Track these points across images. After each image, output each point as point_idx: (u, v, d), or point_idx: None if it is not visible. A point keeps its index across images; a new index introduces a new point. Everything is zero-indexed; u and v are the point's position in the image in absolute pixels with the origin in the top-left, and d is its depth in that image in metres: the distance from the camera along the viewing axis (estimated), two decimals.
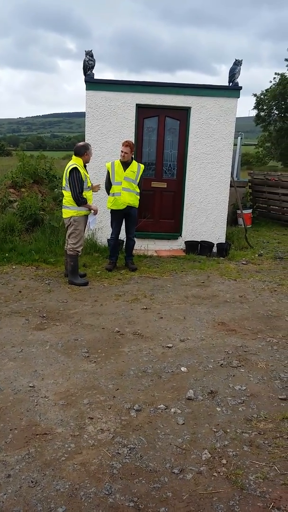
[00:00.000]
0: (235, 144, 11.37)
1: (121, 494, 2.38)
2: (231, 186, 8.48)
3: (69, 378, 3.57)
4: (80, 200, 5.88)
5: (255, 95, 32.61)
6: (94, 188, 6.27)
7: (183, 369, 3.77)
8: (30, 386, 3.42)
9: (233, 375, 3.69)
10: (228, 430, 2.96)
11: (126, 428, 2.95)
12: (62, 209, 6.17)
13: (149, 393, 3.39)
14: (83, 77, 7.76)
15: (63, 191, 6.09)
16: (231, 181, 8.45)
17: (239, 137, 12.10)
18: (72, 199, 5.90)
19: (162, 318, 4.93)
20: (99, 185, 6.45)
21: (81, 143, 6.12)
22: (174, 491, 2.43)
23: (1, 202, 8.46)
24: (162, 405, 3.22)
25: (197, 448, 2.78)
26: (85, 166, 6.07)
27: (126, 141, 6.54)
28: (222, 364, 3.87)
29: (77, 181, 5.82)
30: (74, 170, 5.82)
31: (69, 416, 3.06)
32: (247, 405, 3.26)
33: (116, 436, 2.86)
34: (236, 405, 3.26)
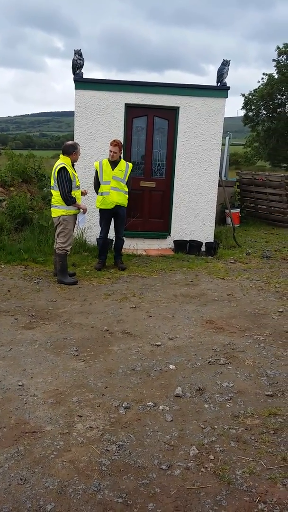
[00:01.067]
0: (223, 144, 11.43)
1: (109, 490, 2.41)
2: (219, 185, 8.55)
3: (58, 377, 3.59)
4: (69, 200, 5.88)
5: (243, 95, 32.75)
6: (83, 193, 6.28)
7: (171, 366, 3.80)
8: (19, 385, 3.42)
9: (221, 372, 3.73)
10: (216, 426, 3.00)
11: (114, 426, 2.98)
12: (51, 208, 6.17)
13: (137, 391, 3.42)
14: (72, 76, 7.76)
15: (52, 191, 6.09)
16: (219, 181, 8.51)
17: (227, 137, 12.18)
18: (61, 198, 5.90)
19: (151, 316, 4.96)
20: (87, 190, 6.46)
21: (69, 142, 6.12)
22: (162, 487, 2.46)
23: None
24: (150, 403, 3.25)
25: (185, 444, 2.81)
26: (73, 165, 6.07)
27: (114, 141, 6.56)
28: (210, 362, 3.91)
29: (65, 181, 5.82)
30: (62, 170, 5.83)
31: (58, 414, 3.07)
32: (235, 401, 3.31)
33: (105, 434, 2.89)
34: (223, 402, 3.30)
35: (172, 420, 3.06)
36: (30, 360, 3.84)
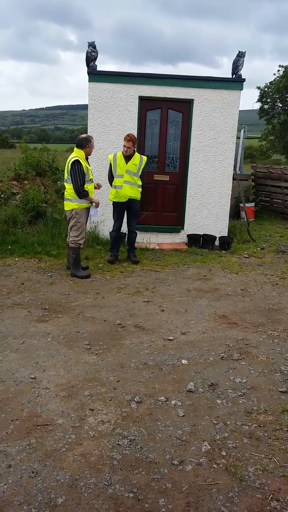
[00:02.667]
0: (238, 137, 11.31)
1: (120, 485, 2.40)
2: (234, 179, 8.45)
3: (70, 370, 3.59)
4: (81, 193, 5.87)
5: (258, 87, 32.39)
6: (96, 187, 6.27)
7: (184, 361, 3.78)
8: (32, 378, 3.43)
9: (234, 368, 3.70)
10: (228, 422, 2.98)
11: (126, 420, 2.97)
12: (64, 202, 6.17)
13: (149, 385, 3.40)
14: (86, 69, 7.73)
15: (65, 184, 6.08)
16: (233, 174, 8.42)
17: (242, 130, 12.04)
18: (73, 191, 5.89)
19: (163, 311, 4.94)
20: (100, 184, 6.44)
21: (83, 136, 6.10)
22: (173, 482, 2.44)
23: (4, 194, 8.47)
24: (162, 397, 3.23)
25: (197, 440, 2.79)
26: (87, 159, 6.05)
27: (128, 135, 6.52)
28: (222, 357, 3.88)
29: (78, 174, 5.81)
30: (76, 163, 5.81)
31: (70, 408, 3.08)
32: (247, 397, 3.27)
33: (116, 428, 2.88)
34: (236, 398, 3.27)
35: (184, 415, 3.04)
36: (42, 353, 3.85)
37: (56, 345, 4.03)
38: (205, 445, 2.73)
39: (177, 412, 3.07)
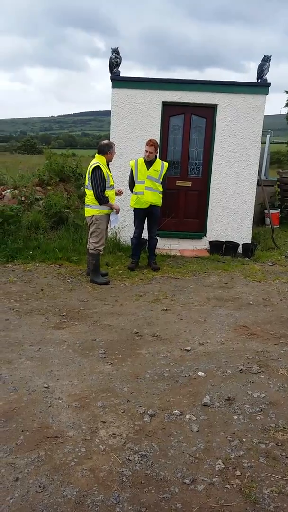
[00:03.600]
0: (263, 142, 11.11)
1: (129, 503, 2.32)
2: (258, 185, 8.29)
3: (84, 380, 3.53)
4: (102, 199, 5.84)
5: (287, 92, 31.91)
6: (117, 194, 6.23)
7: (200, 373, 3.68)
8: (45, 387, 3.39)
9: (252, 382, 3.57)
10: (244, 440, 2.86)
11: (138, 434, 2.89)
12: (85, 208, 6.15)
13: (164, 398, 3.31)
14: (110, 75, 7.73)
15: (86, 190, 6.07)
16: (258, 180, 8.26)
17: (268, 135, 11.83)
18: (94, 197, 5.87)
19: (182, 320, 4.84)
20: (122, 190, 6.38)
21: (105, 142, 6.08)
22: (184, 502, 2.34)
23: (27, 200, 8.53)
24: (177, 411, 3.14)
25: (211, 457, 2.69)
26: (108, 165, 6.03)
27: (150, 140, 6.47)
28: (241, 370, 3.75)
29: (99, 180, 5.78)
30: (97, 169, 5.79)
31: (82, 419, 3.01)
32: (266, 413, 3.15)
33: (127, 442, 2.80)
34: (253, 413, 3.14)
35: (198, 431, 2.94)
36: (57, 361, 3.81)
37: (71, 353, 3.98)
38: (219, 464, 2.62)
39: (191, 427, 2.97)
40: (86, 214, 6.10)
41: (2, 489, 2.38)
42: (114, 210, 6.03)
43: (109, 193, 5.94)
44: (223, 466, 2.61)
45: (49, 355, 3.94)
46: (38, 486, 2.41)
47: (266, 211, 9.86)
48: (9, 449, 2.69)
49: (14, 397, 3.25)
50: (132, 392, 3.37)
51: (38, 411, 3.09)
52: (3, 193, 8.68)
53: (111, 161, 6.14)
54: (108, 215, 6.07)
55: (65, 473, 2.52)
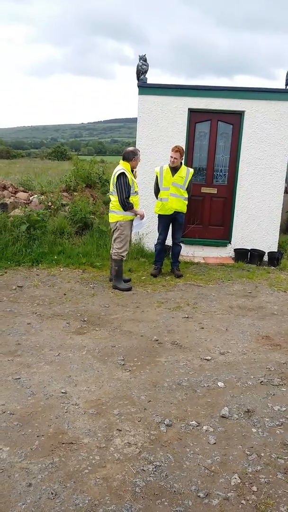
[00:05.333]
0: None
1: None
2: (285, 192, 8.15)
3: (102, 386, 3.52)
4: (126, 205, 5.85)
5: None
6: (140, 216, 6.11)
7: (220, 384, 3.60)
8: (62, 392, 3.39)
9: (273, 394, 3.47)
10: (262, 454, 2.78)
11: (154, 444, 2.85)
12: (109, 214, 6.17)
13: (181, 408, 3.26)
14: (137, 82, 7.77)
15: (110, 196, 6.10)
16: (285, 188, 8.12)
17: None
18: (119, 203, 5.88)
19: (203, 328, 4.77)
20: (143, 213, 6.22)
21: (130, 148, 6.09)
22: None
23: (54, 205, 8.63)
24: (194, 422, 3.08)
25: (227, 471, 2.62)
26: (132, 171, 6.04)
27: (176, 146, 6.45)
28: (262, 381, 3.66)
29: (124, 186, 5.79)
30: (122, 175, 5.80)
31: (97, 426, 2.99)
32: (286, 427, 3.05)
33: (142, 451, 2.76)
34: (273, 427, 3.05)
35: (215, 443, 2.87)
36: (76, 367, 3.81)
37: (90, 359, 3.98)
38: (235, 478, 2.55)
39: (208, 439, 2.91)
40: (111, 220, 6.12)
41: (14, 494, 2.38)
42: (138, 216, 6.03)
43: (133, 199, 5.95)
44: (239, 481, 2.54)
45: (68, 360, 3.94)
46: (51, 493, 2.40)
47: None
48: (24, 454, 2.69)
49: (32, 401, 3.26)
50: (150, 401, 3.33)
51: (55, 416, 3.09)
52: (31, 198, 8.82)
53: (135, 168, 6.15)
54: (132, 221, 6.07)
55: (78, 480, 2.50)
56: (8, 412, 3.11)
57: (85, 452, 2.73)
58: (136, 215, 6.04)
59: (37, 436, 2.86)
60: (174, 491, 2.45)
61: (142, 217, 6.08)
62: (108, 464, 2.65)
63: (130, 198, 5.89)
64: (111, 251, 6.23)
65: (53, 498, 2.36)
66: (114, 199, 5.96)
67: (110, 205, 6.09)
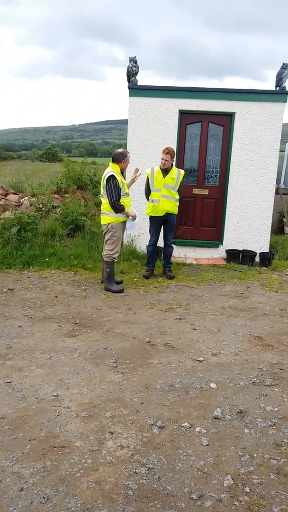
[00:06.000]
0: (283, 151, 10.99)
1: None
2: (276, 193, 8.18)
3: (94, 389, 3.50)
4: (117, 207, 5.83)
5: None
6: (134, 179, 6.34)
7: (212, 385, 3.60)
8: (54, 395, 3.37)
9: (266, 395, 3.48)
10: (255, 455, 2.78)
11: (146, 446, 2.84)
12: (100, 216, 6.15)
13: (174, 409, 3.25)
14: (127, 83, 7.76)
15: (101, 198, 6.08)
16: (276, 189, 8.16)
17: None
18: (110, 206, 5.87)
19: (195, 329, 4.77)
20: (138, 172, 6.40)
21: (119, 150, 6.08)
22: None
23: (45, 207, 8.59)
24: (186, 423, 3.07)
25: (220, 472, 2.62)
26: (122, 173, 6.03)
27: (166, 148, 6.45)
28: (254, 382, 3.67)
29: (114, 189, 5.78)
30: (111, 178, 5.78)
31: (90, 430, 2.98)
32: (278, 428, 3.05)
33: (135, 454, 2.75)
34: (266, 428, 3.06)
35: (208, 445, 2.87)
36: (67, 370, 3.79)
37: (82, 361, 3.96)
38: (228, 479, 2.55)
39: (201, 440, 2.90)
40: (102, 222, 6.10)
41: (6, 499, 2.36)
42: (130, 217, 6.03)
43: (124, 201, 5.94)
44: (232, 482, 2.53)
45: (60, 363, 3.92)
46: (42, 497, 2.38)
47: (285, 219, 9.73)
48: (15, 458, 2.67)
49: (23, 405, 3.23)
50: (142, 403, 3.32)
51: (46, 420, 3.06)
52: (21, 200, 8.77)
53: (125, 169, 6.14)
54: (124, 222, 6.07)
55: (70, 484, 2.48)
56: None
57: (77, 456, 2.72)
58: (128, 216, 6.03)
59: (29, 440, 2.84)
60: (167, 493, 2.44)
61: (134, 218, 6.07)
62: (101, 467, 2.63)
63: (121, 200, 5.88)
64: (102, 253, 6.22)
65: (45, 502, 2.34)
66: (105, 201, 5.94)
67: (101, 207, 6.08)
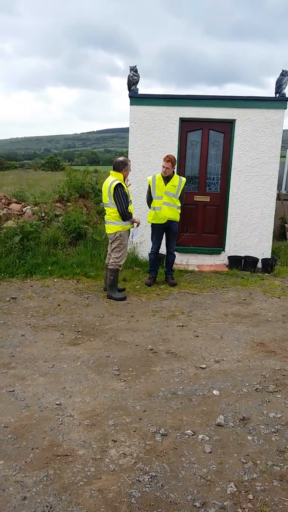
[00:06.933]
0: (284, 156, 11.02)
1: None
2: (278, 199, 8.20)
3: (96, 397, 3.50)
4: (127, 215, 5.86)
5: None
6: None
7: (215, 392, 3.60)
8: (57, 404, 3.37)
9: (269, 401, 3.47)
10: (258, 462, 2.77)
11: (149, 454, 2.83)
12: (106, 225, 6.14)
13: (177, 417, 3.25)
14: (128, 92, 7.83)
15: (106, 208, 6.06)
16: (278, 194, 8.18)
17: None
18: (117, 214, 5.87)
19: (198, 336, 4.77)
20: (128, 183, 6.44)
21: (120, 159, 6.11)
22: None
23: (47, 216, 8.63)
24: (189, 431, 3.07)
25: (223, 480, 2.61)
26: (124, 181, 6.06)
27: (167, 156, 6.49)
28: (257, 389, 3.66)
29: (122, 197, 5.80)
30: (118, 186, 5.80)
31: (93, 438, 2.98)
32: (281, 434, 3.05)
33: (138, 462, 2.75)
34: (269, 434, 3.05)
35: (211, 452, 2.86)
36: (70, 378, 3.79)
37: (85, 369, 3.96)
38: (231, 487, 2.54)
39: (204, 447, 2.90)
40: (109, 231, 6.08)
41: (9, 508, 2.36)
42: (136, 223, 6.06)
43: (130, 208, 5.97)
44: (235, 489, 2.53)
45: (62, 371, 3.93)
46: (46, 505, 2.38)
47: (286, 225, 9.74)
48: (18, 467, 2.67)
49: (26, 414, 3.24)
50: (145, 411, 3.32)
51: (49, 428, 3.07)
52: (24, 209, 8.82)
53: (126, 177, 6.17)
54: (129, 230, 6.10)
55: (73, 493, 2.48)
56: (2, 425, 3.09)
57: (80, 464, 2.72)
58: (133, 223, 6.07)
59: (32, 449, 2.84)
60: (170, 501, 2.44)
61: (138, 224, 6.13)
62: (104, 475, 2.63)
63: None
64: (106, 261, 6.23)
65: (48, 511, 2.34)
66: (112, 210, 5.94)
67: (108, 216, 6.06)
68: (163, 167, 6.48)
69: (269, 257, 7.95)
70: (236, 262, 7.76)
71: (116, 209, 5.85)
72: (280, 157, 7.95)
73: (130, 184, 6.54)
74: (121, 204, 5.81)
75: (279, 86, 7.80)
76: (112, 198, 5.84)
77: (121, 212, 5.83)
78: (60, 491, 2.49)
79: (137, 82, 7.83)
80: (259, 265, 7.81)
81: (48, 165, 51.07)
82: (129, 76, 7.78)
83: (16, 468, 2.67)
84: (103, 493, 2.49)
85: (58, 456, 2.79)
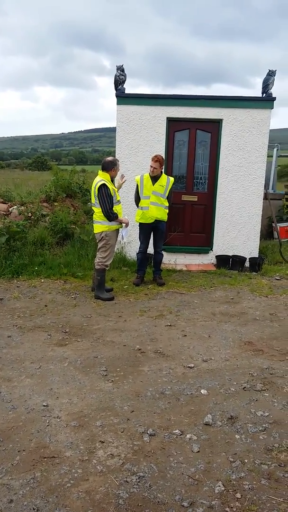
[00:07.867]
0: (270, 156, 11.09)
1: None
2: (265, 198, 8.24)
3: (84, 398, 3.48)
4: (111, 216, 5.83)
5: None
6: (120, 185, 6.43)
7: (203, 391, 3.60)
8: (44, 405, 3.34)
9: (256, 400, 3.48)
10: (246, 461, 2.77)
11: (137, 454, 2.82)
12: (93, 225, 6.11)
13: (165, 417, 3.24)
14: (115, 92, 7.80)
15: (93, 208, 6.04)
16: (265, 194, 8.22)
17: (276, 149, 11.81)
18: (103, 214, 5.85)
19: (186, 336, 4.77)
20: (123, 178, 6.49)
21: (109, 159, 6.09)
22: None
23: (34, 216, 8.57)
24: (177, 430, 3.06)
25: (211, 479, 2.61)
26: (112, 180, 6.03)
27: (155, 156, 6.48)
28: (245, 387, 3.67)
29: (106, 197, 5.77)
30: (103, 187, 5.78)
31: (80, 439, 2.95)
32: (269, 433, 3.05)
33: (126, 463, 2.73)
34: (256, 433, 3.05)
35: (199, 451, 2.86)
36: (57, 379, 3.76)
37: (72, 370, 3.93)
38: (219, 486, 2.54)
39: (192, 447, 2.89)
40: (96, 231, 6.06)
41: None
42: (124, 224, 6.03)
43: (116, 208, 5.93)
44: (223, 488, 2.52)
45: (49, 372, 3.89)
46: (32, 508, 2.35)
47: (273, 224, 9.80)
48: (5, 470, 2.64)
49: (12, 416, 3.20)
50: (132, 411, 3.31)
51: (36, 430, 3.04)
52: (10, 209, 8.75)
53: (115, 177, 6.15)
54: (117, 230, 6.07)
55: (61, 495, 2.45)
56: None
57: (67, 466, 2.69)
58: (121, 224, 6.04)
59: (18, 451, 2.81)
60: (158, 502, 2.43)
61: (127, 224, 6.10)
62: (91, 477, 2.61)
63: (114, 208, 5.88)
64: (94, 261, 6.20)
65: None
66: (97, 210, 5.92)
67: (94, 216, 6.04)
68: (151, 167, 6.47)
69: (257, 256, 7.99)
70: (224, 261, 7.79)
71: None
72: (267, 156, 8.00)
73: (125, 180, 6.52)
74: (104, 205, 5.78)
75: (265, 86, 7.83)
76: (97, 199, 5.82)
77: (105, 212, 5.81)
78: (47, 493, 2.47)
79: (124, 82, 7.81)
80: (247, 264, 7.84)
81: (35, 164, 50.78)
82: (116, 75, 7.76)
83: (3, 470, 2.63)
84: (90, 494, 2.47)
85: (45, 458, 2.76)
